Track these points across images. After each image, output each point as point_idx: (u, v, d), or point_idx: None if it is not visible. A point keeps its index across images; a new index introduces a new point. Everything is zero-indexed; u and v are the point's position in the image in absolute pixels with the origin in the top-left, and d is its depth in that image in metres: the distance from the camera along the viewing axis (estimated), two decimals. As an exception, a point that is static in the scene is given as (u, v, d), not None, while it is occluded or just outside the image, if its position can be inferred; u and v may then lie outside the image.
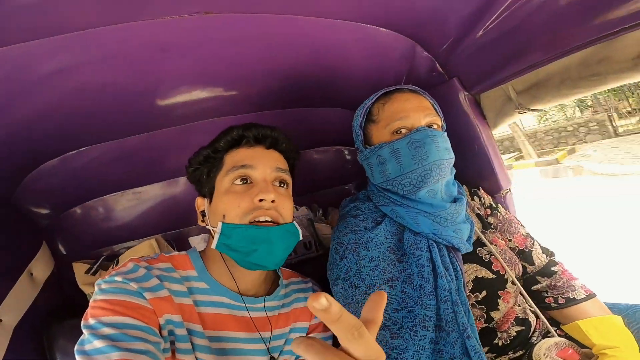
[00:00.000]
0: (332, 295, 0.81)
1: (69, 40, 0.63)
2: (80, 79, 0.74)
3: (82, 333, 0.52)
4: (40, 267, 0.96)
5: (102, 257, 1.06)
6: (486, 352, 0.72)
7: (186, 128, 1.04)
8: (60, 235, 1.09)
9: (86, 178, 1.06)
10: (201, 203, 0.74)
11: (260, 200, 0.66)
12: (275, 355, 0.68)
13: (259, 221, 0.65)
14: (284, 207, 0.70)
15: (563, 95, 0.80)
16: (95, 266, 1.02)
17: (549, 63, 0.77)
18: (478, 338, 0.67)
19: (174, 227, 1.24)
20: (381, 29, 0.83)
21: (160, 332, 0.57)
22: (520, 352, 0.73)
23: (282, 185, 0.74)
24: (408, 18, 0.81)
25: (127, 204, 1.17)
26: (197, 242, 1.21)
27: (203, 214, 0.73)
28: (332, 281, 0.79)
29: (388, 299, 0.71)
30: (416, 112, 0.79)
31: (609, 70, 0.70)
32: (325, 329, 0.78)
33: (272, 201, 0.67)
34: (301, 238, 0.74)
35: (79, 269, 1.02)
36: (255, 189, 0.67)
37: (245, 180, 0.69)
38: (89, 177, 1.06)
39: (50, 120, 0.82)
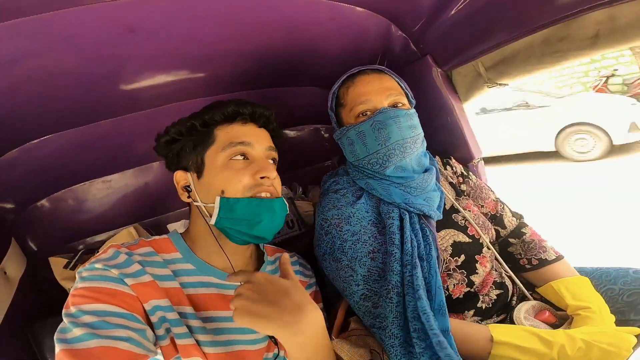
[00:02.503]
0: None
1: (24, 25, 0.58)
2: (37, 65, 0.68)
3: None
4: (12, 265, 0.91)
5: (81, 251, 1.02)
6: (472, 316, 0.77)
7: (155, 111, 1.00)
8: (28, 230, 1.03)
9: (50, 168, 0.99)
10: (182, 177, 0.71)
11: (262, 178, 0.67)
12: None
13: (259, 197, 0.67)
14: (278, 184, 0.73)
15: (528, 70, 0.86)
16: (74, 260, 0.98)
17: (515, 41, 0.82)
18: (443, 299, 0.68)
19: (151, 215, 1.20)
20: (357, 7, 0.83)
21: (148, 319, 0.57)
22: (503, 316, 0.79)
23: (273, 162, 0.76)
24: None
25: (97, 193, 1.12)
26: (176, 228, 1.20)
27: (187, 189, 0.70)
28: (320, 256, 0.83)
29: (369, 271, 0.75)
30: (377, 94, 0.82)
31: (570, 47, 0.76)
32: (316, 299, 0.82)
33: (274, 178, 0.70)
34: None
35: (57, 264, 0.98)
36: (255, 165, 0.68)
37: (243, 156, 0.69)
38: (53, 168, 1.00)
39: (5, 109, 0.75)
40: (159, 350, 0.57)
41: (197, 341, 0.60)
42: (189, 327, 0.60)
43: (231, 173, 0.67)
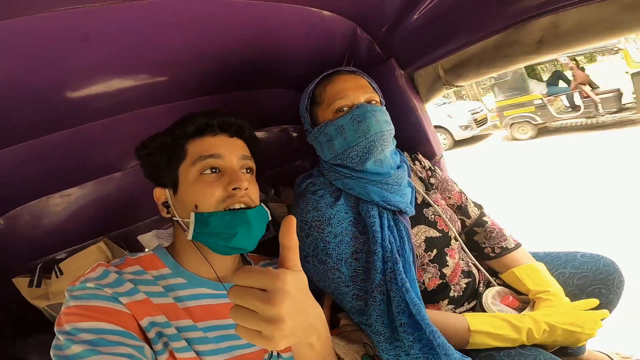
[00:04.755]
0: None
1: None
2: None
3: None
4: (-24, 289, 0.85)
5: (39, 267, 0.96)
6: (447, 305, 0.83)
7: (115, 121, 0.95)
8: None
9: (1, 185, 0.92)
10: (161, 194, 0.72)
11: (234, 189, 0.67)
12: None
13: (233, 208, 0.67)
14: (254, 192, 0.72)
15: (481, 73, 0.93)
16: (36, 277, 0.92)
17: (472, 45, 0.88)
18: (419, 293, 0.72)
19: (118, 227, 1.15)
20: (324, 11, 0.85)
21: (144, 335, 0.57)
22: (473, 303, 0.86)
23: (249, 171, 0.75)
24: (350, 2, 0.84)
25: (55, 209, 1.05)
26: (148, 239, 1.16)
27: (166, 205, 0.71)
28: (302, 258, 0.83)
29: (355, 271, 0.78)
30: (355, 90, 0.85)
31: (518, 52, 0.83)
32: None
33: (245, 189, 0.68)
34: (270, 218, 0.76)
35: (21, 284, 0.92)
36: (226, 177, 0.68)
37: (214, 169, 0.69)
38: (5, 184, 0.93)
39: None
40: None
41: (197, 352, 0.60)
42: (189, 339, 0.61)
43: (203, 187, 0.67)
